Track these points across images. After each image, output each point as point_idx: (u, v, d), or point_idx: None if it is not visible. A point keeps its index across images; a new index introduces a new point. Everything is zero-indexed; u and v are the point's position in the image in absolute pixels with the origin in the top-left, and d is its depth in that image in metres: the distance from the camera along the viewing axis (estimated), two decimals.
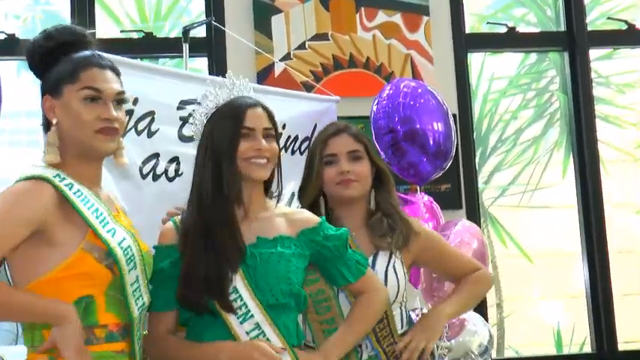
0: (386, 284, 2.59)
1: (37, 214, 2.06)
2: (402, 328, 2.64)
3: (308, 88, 4.24)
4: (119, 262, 2.11)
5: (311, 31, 4.47)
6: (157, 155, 3.03)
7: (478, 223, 4.64)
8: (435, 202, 3.66)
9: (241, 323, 2.23)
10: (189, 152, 3.04)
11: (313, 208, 2.63)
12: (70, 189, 2.12)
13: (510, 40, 4.95)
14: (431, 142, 3.50)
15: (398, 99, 3.53)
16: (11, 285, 2.16)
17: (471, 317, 3.42)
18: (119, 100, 2.22)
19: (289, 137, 3.42)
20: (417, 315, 3.24)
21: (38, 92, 2.25)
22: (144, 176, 2.99)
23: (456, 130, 4.50)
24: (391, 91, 3.59)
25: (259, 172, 2.32)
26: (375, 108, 3.60)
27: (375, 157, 2.71)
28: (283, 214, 2.41)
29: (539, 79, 5.40)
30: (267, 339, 2.23)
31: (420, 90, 3.60)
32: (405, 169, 3.57)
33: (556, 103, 5.26)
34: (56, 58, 2.21)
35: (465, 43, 4.72)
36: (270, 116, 2.38)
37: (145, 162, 2.99)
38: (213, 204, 2.29)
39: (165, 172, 3.06)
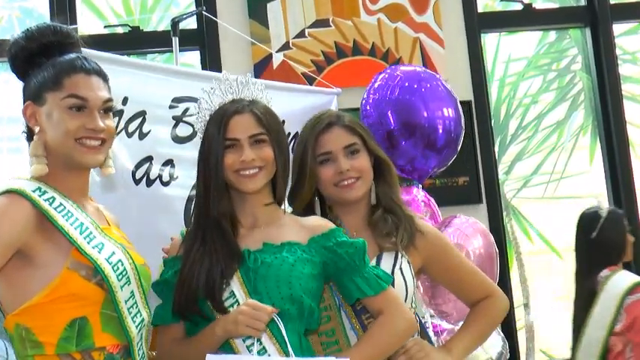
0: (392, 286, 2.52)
1: (15, 237, 2.06)
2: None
3: (310, 79, 4.24)
4: (108, 279, 2.10)
5: (310, 18, 4.47)
6: (149, 158, 3.02)
7: (500, 218, 4.65)
8: (432, 200, 3.62)
9: None
10: (184, 154, 3.10)
11: (307, 211, 2.58)
12: (50, 204, 2.12)
13: (527, 18, 4.94)
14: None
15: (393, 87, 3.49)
16: None
17: None
18: (106, 108, 2.22)
19: (289, 134, 3.40)
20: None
21: (20, 96, 2.25)
22: (137, 181, 2.98)
23: (472, 118, 4.55)
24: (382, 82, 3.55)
25: (247, 184, 2.34)
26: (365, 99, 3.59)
27: (373, 147, 2.63)
28: (294, 220, 2.43)
29: (559, 59, 5.39)
30: (264, 348, 2.24)
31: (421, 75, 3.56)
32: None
33: (579, 83, 5.24)
34: (39, 60, 2.21)
35: (478, 22, 4.71)
36: (261, 119, 2.37)
37: (137, 166, 2.99)
38: (207, 217, 2.34)
39: (160, 176, 3.05)
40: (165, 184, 3.07)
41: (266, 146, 2.35)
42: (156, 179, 3.05)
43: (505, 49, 5.22)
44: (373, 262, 2.53)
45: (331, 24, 4.47)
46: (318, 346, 2.44)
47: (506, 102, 5.33)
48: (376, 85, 3.52)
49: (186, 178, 3.09)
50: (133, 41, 4.57)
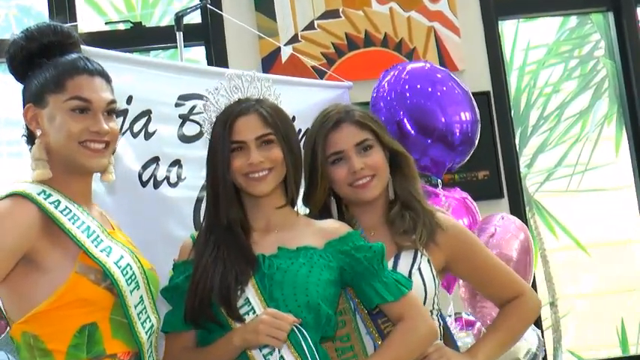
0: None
1: (21, 241, 2.08)
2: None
3: (320, 73, 4.23)
4: (117, 283, 2.12)
5: (319, 9, 4.46)
6: (156, 159, 3.01)
7: (523, 213, 4.64)
8: (469, 198, 3.62)
9: None
10: (191, 154, 3.09)
11: (323, 212, 2.57)
12: (56, 207, 2.13)
13: (547, 3, 4.93)
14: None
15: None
16: (5, 318, 2.20)
17: None
18: (110, 110, 2.24)
19: (299, 131, 3.39)
20: (452, 322, 3.23)
21: (19, 98, 2.26)
22: (144, 183, 2.97)
23: (491, 109, 4.53)
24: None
25: (257, 187, 2.36)
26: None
27: (387, 140, 2.60)
28: (309, 223, 2.44)
29: (581, 45, 5.35)
30: (282, 358, 2.25)
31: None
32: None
33: (603, 71, 5.21)
34: (39, 60, 2.22)
35: (495, 9, 4.70)
36: (267, 119, 2.37)
37: (144, 167, 2.98)
38: (218, 223, 2.36)
39: (167, 177, 3.04)
40: (173, 185, 3.06)
41: (274, 147, 2.36)
42: (163, 180, 3.03)
43: (524, 36, 5.19)
44: (391, 262, 2.52)
45: (341, 14, 4.46)
46: (333, 352, 2.43)
47: (527, 92, 5.29)
48: (385, 86, 3.46)
49: (194, 178, 3.08)
50: (136, 37, 4.58)
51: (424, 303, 2.52)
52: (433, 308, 2.58)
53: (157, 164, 3.02)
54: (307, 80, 3.83)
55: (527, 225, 4.59)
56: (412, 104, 3.32)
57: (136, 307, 2.17)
